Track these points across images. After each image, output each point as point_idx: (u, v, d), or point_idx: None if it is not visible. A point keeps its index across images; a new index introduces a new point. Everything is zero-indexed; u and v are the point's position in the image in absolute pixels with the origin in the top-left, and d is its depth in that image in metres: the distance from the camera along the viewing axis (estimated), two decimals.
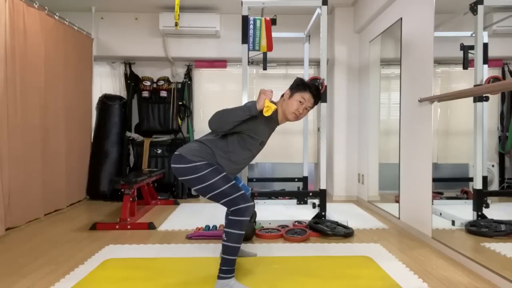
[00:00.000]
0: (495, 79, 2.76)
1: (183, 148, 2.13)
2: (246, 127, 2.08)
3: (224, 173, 2.06)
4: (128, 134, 4.99)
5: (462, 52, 2.94)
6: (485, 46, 2.71)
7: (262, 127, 2.15)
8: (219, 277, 1.97)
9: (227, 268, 1.97)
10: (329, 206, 4.33)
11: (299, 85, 2.19)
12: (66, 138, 4.14)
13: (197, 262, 2.46)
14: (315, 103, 2.23)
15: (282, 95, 2.25)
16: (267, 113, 1.96)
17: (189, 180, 2.05)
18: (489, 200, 2.86)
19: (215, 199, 2.04)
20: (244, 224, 1.98)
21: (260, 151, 2.29)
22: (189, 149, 2.10)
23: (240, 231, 1.96)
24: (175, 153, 2.12)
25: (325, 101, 3.30)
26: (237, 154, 2.14)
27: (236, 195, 1.99)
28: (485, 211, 2.79)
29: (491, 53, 2.71)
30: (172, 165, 2.10)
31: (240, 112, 1.98)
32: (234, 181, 2.06)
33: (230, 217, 1.98)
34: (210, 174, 2.02)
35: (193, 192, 4.93)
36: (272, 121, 2.23)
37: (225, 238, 1.97)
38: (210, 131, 2.22)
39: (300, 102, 2.15)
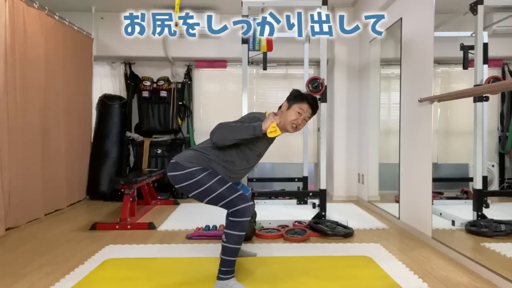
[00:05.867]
0: (495, 79, 2.76)
1: (178, 156, 2.13)
2: (246, 141, 2.09)
3: (220, 176, 2.06)
4: (128, 134, 4.99)
5: (462, 52, 2.95)
6: (485, 46, 2.71)
7: (262, 142, 2.19)
8: (218, 278, 1.97)
9: (227, 269, 1.96)
10: (329, 206, 4.31)
11: (296, 97, 2.22)
12: (66, 138, 4.14)
13: (197, 262, 2.46)
14: (313, 113, 2.26)
15: (280, 107, 2.28)
16: (271, 134, 2.00)
17: (185, 186, 2.05)
18: (489, 200, 2.86)
19: (213, 202, 2.03)
20: (245, 225, 1.97)
21: (258, 162, 2.32)
22: (185, 156, 2.10)
23: (240, 232, 1.95)
24: (171, 161, 2.12)
25: (325, 101, 3.29)
26: (234, 164, 2.14)
27: (234, 196, 1.98)
28: (485, 211, 2.79)
29: (491, 53, 2.72)
30: (168, 173, 2.10)
31: (244, 132, 2.00)
32: (230, 183, 2.05)
33: (230, 218, 1.97)
34: (205, 178, 2.02)
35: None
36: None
37: (225, 239, 1.96)
38: (208, 133, 2.23)
39: (299, 113, 2.18)
